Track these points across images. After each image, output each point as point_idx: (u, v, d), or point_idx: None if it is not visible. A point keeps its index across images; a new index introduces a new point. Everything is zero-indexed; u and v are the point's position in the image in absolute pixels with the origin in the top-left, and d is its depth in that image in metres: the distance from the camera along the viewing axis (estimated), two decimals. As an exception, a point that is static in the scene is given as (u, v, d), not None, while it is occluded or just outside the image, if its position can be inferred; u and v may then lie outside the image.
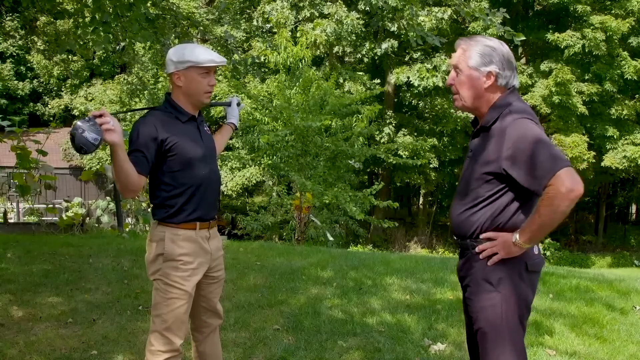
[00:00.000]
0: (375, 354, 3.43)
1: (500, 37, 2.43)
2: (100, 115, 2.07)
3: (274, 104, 10.94)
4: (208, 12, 16.94)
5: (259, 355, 3.36)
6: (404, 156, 14.34)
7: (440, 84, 16.37)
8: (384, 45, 17.00)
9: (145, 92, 17.26)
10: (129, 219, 10.06)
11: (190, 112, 2.40)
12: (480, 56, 2.03)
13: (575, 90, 16.99)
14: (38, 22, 11.52)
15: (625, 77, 17.11)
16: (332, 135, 10.49)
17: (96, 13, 5.27)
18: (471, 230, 2.06)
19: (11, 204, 14.41)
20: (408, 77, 16.88)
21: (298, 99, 10.83)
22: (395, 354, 3.42)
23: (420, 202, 24.15)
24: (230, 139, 5.52)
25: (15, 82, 23.76)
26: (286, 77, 12.40)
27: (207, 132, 2.51)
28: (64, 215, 9.42)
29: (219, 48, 7.40)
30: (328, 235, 9.52)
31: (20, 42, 20.70)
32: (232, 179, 17.98)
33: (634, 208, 29.32)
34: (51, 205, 9.55)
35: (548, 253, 18.34)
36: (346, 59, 18.93)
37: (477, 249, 2.04)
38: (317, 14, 16.92)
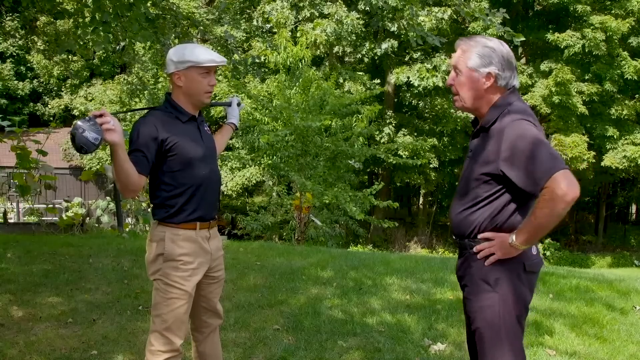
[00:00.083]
0: (375, 354, 3.43)
1: (500, 38, 2.42)
2: (101, 115, 2.06)
3: (274, 104, 10.95)
4: (208, 12, 16.93)
5: (259, 355, 3.36)
6: (404, 156, 14.34)
7: (440, 84, 16.37)
8: (384, 45, 17.00)
9: (145, 92, 17.25)
10: (129, 219, 10.06)
11: (191, 112, 2.40)
12: (479, 57, 2.03)
13: (575, 90, 16.99)
14: (38, 22, 11.52)
15: (625, 77, 17.11)
16: (332, 135, 10.49)
17: (96, 13, 5.27)
18: (469, 229, 2.07)
19: (11, 204, 14.42)
20: (408, 77, 16.88)
21: (298, 99, 10.84)
22: (395, 354, 3.42)
23: (420, 202, 24.15)
24: (231, 139, 5.52)
25: (15, 82, 23.76)
26: (286, 77, 12.40)
27: (208, 132, 2.50)
28: (64, 215, 9.42)
29: (219, 48, 7.40)
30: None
31: (20, 42, 20.70)
32: (232, 179, 17.98)
33: (634, 208, 29.33)
34: (51, 205, 9.55)
35: (548, 253, 18.35)
36: (346, 59, 18.92)
37: (474, 249, 2.05)
38: (317, 14, 16.92)
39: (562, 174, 1.82)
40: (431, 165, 18.21)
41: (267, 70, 14.71)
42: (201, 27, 6.45)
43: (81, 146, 2.05)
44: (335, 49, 17.45)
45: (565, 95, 16.65)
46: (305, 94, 10.93)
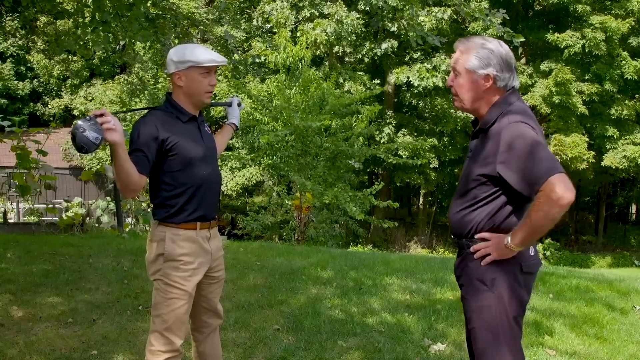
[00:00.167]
0: (375, 354, 3.43)
1: (500, 38, 2.43)
2: (101, 115, 2.06)
3: (273, 104, 10.96)
4: (208, 12, 16.93)
5: (259, 355, 3.36)
6: (404, 156, 14.34)
7: (440, 84, 16.37)
8: (384, 45, 17.00)
9: (145, 92, 17.25)
10: (129, 219, 10.07)
11: (191, 112, 2.40)
12: (478, 59, 2.02)
13: (575, 90, 16.99)
14: (38, 22, 11.52)
15: (625, 77, 17.11)
16: (332, 135, 10.50)
17: (96, 13, 5.28)
18: (467, 229, 2.07)
19: (11, 204, 14.42)
20: (408, 77, 16.88)
21: (298, 99, 10.84)
22: (395, 354, 3.42)
23: (420, 202, 24.15)
24: (231, 139, 5.53)
25: (15, 82, 23.75)
26: (286, 77, 12.41)
27: (208, 132, 2.50)
28: (64, 215, 9.42)
29: (219, 48, 7.41)
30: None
31: (20, 42, 20.70)
32: (232, 179, 17.98)
33: (634, 208, 29.34)
34: (51, 205, 9.55)
35: (548, 253, 18.36)
36: (346, 59, 18.92)
37: (471, 249, 2.06)
38: (317, 14, 16.92)
39: (557, 178, 1.81)
40: (431, 165, 18.21)
41: (267, 70, 14.72)
42: (201, 27, 6.45)
43: (82, 146, 2.04)
44: (335, 49, 17.45)
45: (565, 95, 16.65)
46: (305, 94, 10.94)
